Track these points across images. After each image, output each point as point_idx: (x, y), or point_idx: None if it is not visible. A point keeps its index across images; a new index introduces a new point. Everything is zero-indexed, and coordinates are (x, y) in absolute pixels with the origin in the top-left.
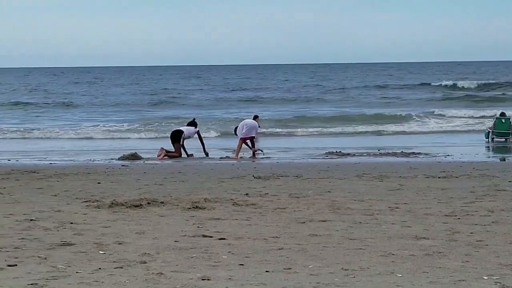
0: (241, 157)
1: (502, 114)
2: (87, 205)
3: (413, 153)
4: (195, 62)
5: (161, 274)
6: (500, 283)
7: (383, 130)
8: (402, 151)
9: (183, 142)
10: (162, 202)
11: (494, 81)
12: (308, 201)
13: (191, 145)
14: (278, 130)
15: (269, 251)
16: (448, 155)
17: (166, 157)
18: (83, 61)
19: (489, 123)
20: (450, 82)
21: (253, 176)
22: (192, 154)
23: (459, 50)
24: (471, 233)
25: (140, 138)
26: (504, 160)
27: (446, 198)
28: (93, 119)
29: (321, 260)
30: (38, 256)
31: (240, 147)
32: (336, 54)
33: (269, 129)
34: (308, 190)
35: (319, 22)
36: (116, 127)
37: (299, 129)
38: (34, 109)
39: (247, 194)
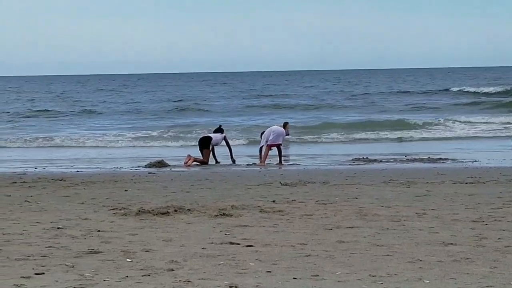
0: (267, 164)
1: None
2: (114, 213)
3: (440, 159)
4: (220, 69)
5: (189, 281)
6: None
7: (410, 136)
8: (429, 157)
9: (212, 148)
10: (189, 210)
11: None
12: (335, 207)
13: (217, 152)
14: (303, 137)
15: (297, 258)
16: (475, 161)
17: (194, 163)
18: (107, 69)
19: None
20: (473, 88)
21: (280, 182)
22: (219, 162)
23: (485, 55)
24: (499, 238)
25: (166, 146)
26: None
27: (473, 204)
28: (119, 126)
29: (348, 267)
30: (66, 264)
31: (266, 154)
32: (362, 60)
33: (294, 136)
34: (335, 197)
35: (343, 27)
36: (141, 135)
37: (323, 136)
38: (58, 116)
39: (274, 201)
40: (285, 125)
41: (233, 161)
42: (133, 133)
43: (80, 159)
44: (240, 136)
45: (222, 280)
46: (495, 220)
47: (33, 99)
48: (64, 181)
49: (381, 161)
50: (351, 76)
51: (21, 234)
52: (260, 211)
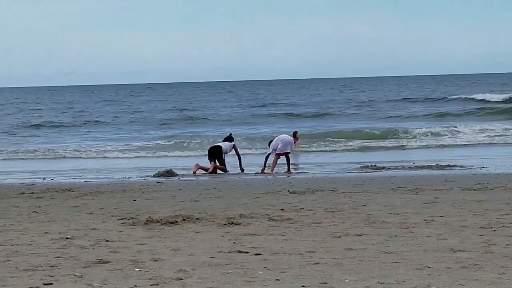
0: (276, 172)
1: None
2: (122, 223)
3: (448, 165)
4: (226, 78)
5: None
6: None
7: (418, 144)
8: (437, 164)
9: (224, 157)
10: (197, 219)
11: None
12: (343, 215)
13: (227, 161)
14: (305, 146)
15: (305, 266)
16: (483, 167)
17: (200, 171)
18: (113, 79)
19: None
20: (480, 95)
21: (288, 191)
22: (228, 171)
23: (492, 61)
24: (507, 245)
25: (173, 156)
26: None
27: (481, 210)
28: (125, 136)
29: (357, 274)
30: (74, 275)
31: (275, 162)
32: (367, 67)
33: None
34: (344, 204)
35: (348, 36)
36: (148, 145)
37: (330, 144)
38: (64, 127)
39: (282, 209)
40: (294, 134)
41: (242, 170)
42: (140, 143)
43: (87, 169)
44: (248, 146)
45: None
46: (504, 226)
47: (40, 109)
48: (73, 191)
49: (389, 168)
50: (357, 84)
51: (30, 244)
52: (269, 220)
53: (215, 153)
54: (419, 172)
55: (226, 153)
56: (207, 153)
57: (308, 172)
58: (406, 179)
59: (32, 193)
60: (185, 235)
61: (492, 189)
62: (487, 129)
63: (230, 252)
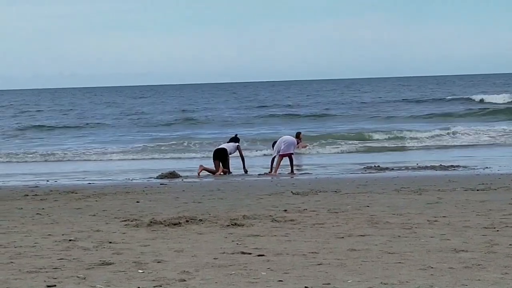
0: (279, 173)
1: None
2: (125, 224)
3: (452, 166)
4: (230, 80)
5: None
6: None
7: (419, 145)
8: (440, 164)
9: (229, 159)
10: (200, 220)
11: None
12: (347, 216)
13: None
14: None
15: (308, 267)
16: (486, 168)
17: (204, 172)
18: (115, 81)
19: None
20: (481, 96)
21: (291, 192)
22: (231, 172)
23: (494, 62)
24: (510, 245)
25: (176, 158)
26: None
27: (485, 211)
28: (127, 138)
29: (360, 275)
30: (77, 276)
31: (279, 163)
32: (368, 69)
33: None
34: (347, 205)
35: (350, 37)
36: (151, 146)
37: (332, 145)
38: (65, 130)
39: (285, 210)
40: (298, 135)
41: (245, 171)
42: (141, 144)
43: (91, 171)
44: (248, 147)
45: None
46: (507, 226)
47: (41, 111)
48: (76, 193)
49: (392, 169)
50: (359, 85)
51: (33, 246)
52: (272, 221)
53: (220, 155)
54: (422, 173)
55: (230, 154)
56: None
57: (311, 173)
58: (410, 179)
59: (36, 195)
60: (188, 237)
61: (495, 190)
62: (489, 130)
63: (233, 253)
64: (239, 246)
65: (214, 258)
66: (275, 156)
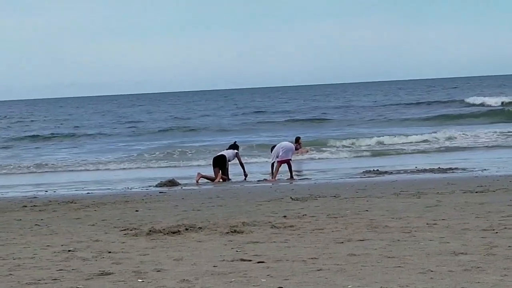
0: (278, 179)
1: None
2: (125, 234)
3: (450, 168)
4: (228, 86)
5: None
6: None
7: (415, 148)
8: (439, 167)
9: (228, 166)
10: (200, 228)
11: None
12: (346, 220)
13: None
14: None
15: (308, 273)
16: (484, 170)
17: (203, 179)
18: (114, 90)
19: None
20: (478, 98)
21: (290, 197)
22: (230, 179)
23: (495, 63)
24: (509, 247)
25: (173, 166)
26: None
27: (483, 213)
28: (125, 147)
29: (360, 280)
30: (77, 287)
31: (277, 169)
32: (367, 73)
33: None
34: (346, 210)
35: (348, 41)
36: (149, 155)
37: (332, 150)
38: (62, 140)
39: (285, 216)
40: (297, 140)
41: (246, 176)
42: (137, 153)
43: (90, 181)
44: (245, 153)
45: None
46: (506, 228)
47: (36, 120)
48: (75, 203)
49: (391, 172)
50: (358, 89)
51: (32, 258)
52: (271, 227)
53: (219, 162)
54: (421, 176)
55: (229, 161)
56: (211, 162)
57: (310, 178)
58: (409, 183)
59: (34, 206)
60: (188, 245)
61: (494, 191)
62: (486, 132)
63: (233, 261)
64: (239, 253)
65: (214, 266)
66: (274, 162)
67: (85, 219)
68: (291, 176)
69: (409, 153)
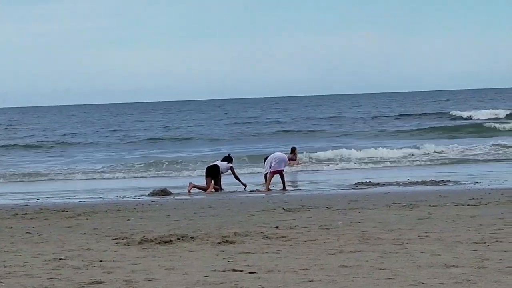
0: (270, 190)
1: None
2: (116, 243)
3: (442, 181)
4: (224, 96)
5: None
6: None
7: (406, 161)
8: (431, 180)
9: (221, 176)
10: (192, 237)
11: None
12: (338, 232)
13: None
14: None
15: (300, 284)
16: (476, 183)
17: (194, 189)
18: (108, 98)
19: None
20: (466, 112)
21: (283, 208)
22: (223, 189)
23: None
24: (500, 259)
25: (164, 176)
26: None
27: (475, 226)
28: (115, 157)
29: None
30: None
31: (270, 180)
32: (360, 84)
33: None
34: (338, 221)
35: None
36: (139, 165)
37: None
38: (55, 148)
39: (277, 227)
40: (293, 150)
41: (245, 187)
42: (132, 164)
43: (81, 190)
44: (240, 164)
45: None
46: (497, 241)
47: (26, 128)
48: (66, 211)
49: (384, 184)
50: (351, 100)
51: (23, 266)
52: (263, 238)
53: (212, 172)
54: (413, 188)
55: (222, 172)
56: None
57: (303, 190)
58: (401, 195)
59: (26, 214)
60: (180, 254)
61: (485, 204)
62: (475, 146)
63: (224, 271)
64: (231, 264)
65: (205, 276)
66: (267, 172)
67: (76, 228)
68: (284, 187)
69: (395, 166)
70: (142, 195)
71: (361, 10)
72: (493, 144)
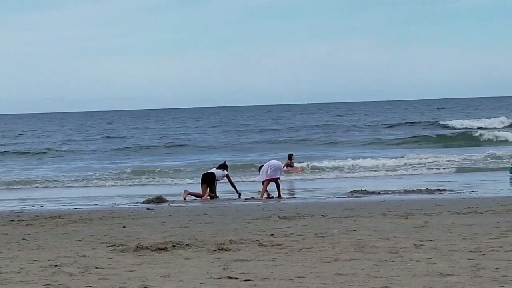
0: (266, 198)
1: None
2: (112, 249)
3: (438, 189)
4: (217, 104)
5: None
6: None
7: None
8: (426, 188)
9: (216, 184)
10: (187, 245)
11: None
12: (333, 240)
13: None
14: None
15: None
16: (472, 191)
17: (190, 196)
18: (102, 106)
19: None
20: (459, 122)
21: (278, 216)
22: (218, 197)
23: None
24: (496, 268)
25: (160, 184)
26: None
27: (471, 234)
28: (111, 165)
29: None
30: None
31: (265, 188)
32: (357, 92)
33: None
34: (334, 229)
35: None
36: (134, 172)
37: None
38: (50, 156)
39: (272, 234)
40: (290, 157)
41: (239, 195)
42: (128, 170)
43: (77, 197)
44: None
45: None
46: (493, 250)
47: (21, 135)
48: (62, 218)
49: (379, 193)
50: (340, 109)
51: (19, 272)
52: (259, 245)
53: (208, 179)
54: (409, 197)
55: (218, 180)
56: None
57: (298, 197)
58: (396, 203)
59: (21, 220)
60: (175, 262)
61: (481, 213)
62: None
63: (220, 278)
64: (226, 271)
65: (201, 283)
66: (263, 181)
67: (72, 235)
68: (279, 195)
69: (388, 175)
70: (137, 202)
71: (356, 18)
72: (486, 154)
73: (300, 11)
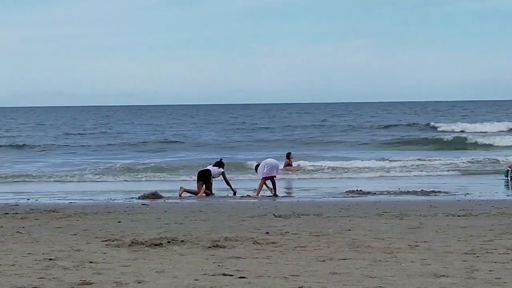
0: (261, 196)
1: None
2: (107, 244)
3: (433, 191)
4: (218, 101)
5: None
6: None
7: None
8: (422, 190)
9: (212, 181)
10: (182, 241)
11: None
12: (328, 239)
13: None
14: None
15: None
16: (467, 194)
17: (186, 193)
18: (101, 101)
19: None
20: (453, 125)
21: (273, 214)
22: (213, 194)
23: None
24: (490, 271)
25: (157, 180)
26: None
27: (465, 236)
28: (108, 160)
29: None
30: None
31: (261, 186)
32: (356, 93)
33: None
34: (329, 229)
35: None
36: (132, 168)
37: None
38: (46, 150)
39: (267, 232)
40: (288, 156)
41: (234, 193)
42: (124, 166)
43: (72, 191)
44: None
45: None
46: (487, 252)
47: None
48: (57, 212)
49: (374, 193)
50: (342, 109)
51: (13, 265)
52: (254, 243)
53: (204, 176)
54: (404, 198)
55: (214, 177)
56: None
57: (293, 196)
58: (391, 204)
59: (16, 213)
60: (170, 257)
61: (476, 216)
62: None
63: (214, 275)
64: (221, 268)
65: (195, 280)
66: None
67: (67, 228)
68: (275, 193)
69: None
70: (132, 198)
71: (356, 19)
72: (483, 157)
73: (300, 11)
